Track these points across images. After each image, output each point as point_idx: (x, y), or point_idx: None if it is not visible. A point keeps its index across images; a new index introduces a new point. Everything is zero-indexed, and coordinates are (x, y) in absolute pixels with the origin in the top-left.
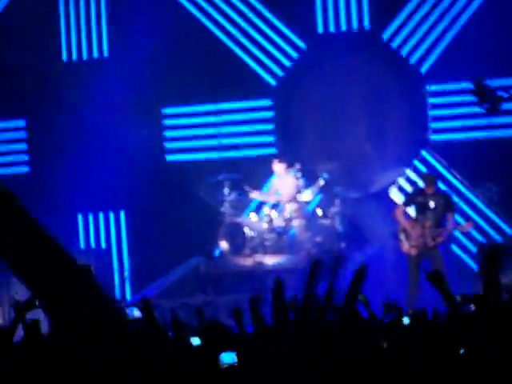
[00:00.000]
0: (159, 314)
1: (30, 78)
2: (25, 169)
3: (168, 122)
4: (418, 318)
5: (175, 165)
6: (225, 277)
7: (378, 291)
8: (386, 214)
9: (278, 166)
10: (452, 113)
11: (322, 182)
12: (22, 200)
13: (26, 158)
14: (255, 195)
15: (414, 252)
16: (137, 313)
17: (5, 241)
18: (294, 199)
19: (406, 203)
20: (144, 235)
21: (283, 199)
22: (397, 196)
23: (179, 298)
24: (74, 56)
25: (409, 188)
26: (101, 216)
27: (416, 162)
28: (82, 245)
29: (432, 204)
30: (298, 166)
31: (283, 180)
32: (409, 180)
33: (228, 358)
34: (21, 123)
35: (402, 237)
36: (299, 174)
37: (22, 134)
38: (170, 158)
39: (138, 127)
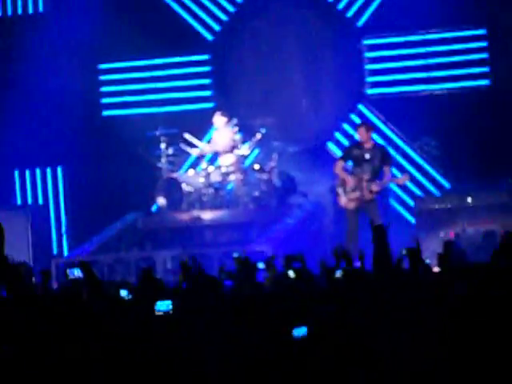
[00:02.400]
0: (96, 270)
1: None
2: None
3: (104, 77)
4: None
5: (112, 120)
6: (162, 232)
7: (316, 245)
8: (323, 168)
9: (219, 119)
10: (389, 66)
11: (259, 136)
12: None
13: None
14: (194, 147)
15: (351, 205)
16: (77, 272)
17: None
18: (231, 153)
19: (344, 157)
20: (81, 191)
21: (220, 153)
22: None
23: (116, 254)
24: (9, 11)
25: (346, 142)
26: (38, 172)
27: (353, 116)
28: (19, 201)
29: (368, 156)
30: (235, 120)
31: (222, 133)
32: (346, 134)
33: (162, 306)
34: None
35: (340, 191)
36: (237, 128)
37: None
38: (106, 113)
39: (75, 83)
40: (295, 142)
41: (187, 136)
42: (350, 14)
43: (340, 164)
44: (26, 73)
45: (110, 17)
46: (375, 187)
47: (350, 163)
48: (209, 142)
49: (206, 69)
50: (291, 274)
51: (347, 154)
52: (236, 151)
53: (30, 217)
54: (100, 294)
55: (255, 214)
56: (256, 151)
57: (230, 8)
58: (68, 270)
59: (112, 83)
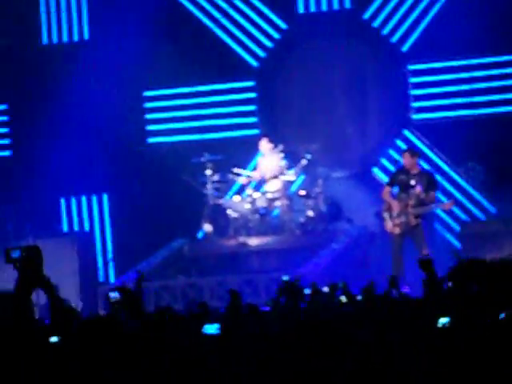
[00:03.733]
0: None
1: (10, 62)
2: (6, 153)
3: (149, 104)
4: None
5: (157, 147)
6: (208, 258)
7: (361, 271)
8: (368, 193)
9: (265, 145)
10: (433, 92)
11: (304, 162)
12: (6, 183)
13: (7, 141)
14: (246, 174)
15: (397, 231)
16: (116, 295)
17: None
18: (277, 179)
19: (390, 183)
20: (127, 218)
21: (266, 179)
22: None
23: (163, 280)
24: (55, 39)
25: (392, 168)
26: (83, 199)
27: (398, 142)
28: (66, 228)
29: (414, 182)
30: (281, 146)
31: (268, 159)
32: (391, 160)
33: (211, 328)
34: (2, 107)
35: (386, 216)
36: (283, 154)
37: (3, 118)
38: (151, 140)
39: (120, 110)
40: (341, 167)
41: (235, 170)
42: (394, 38)
43: (387, 189)
44: (72, 100)
45: (155, 44)
46: (420, 211)
47: (395, 189)
48: (255, 168)
49: (252, 95)
50: (343, 298)
51: (393, 180)
52: (282, 177)
53: (76, 244)
54: (139, 315)
55: (301, 240)
56: (302, 177)
57: (276, 35)
58: (109, 294)
59: (157, 110)
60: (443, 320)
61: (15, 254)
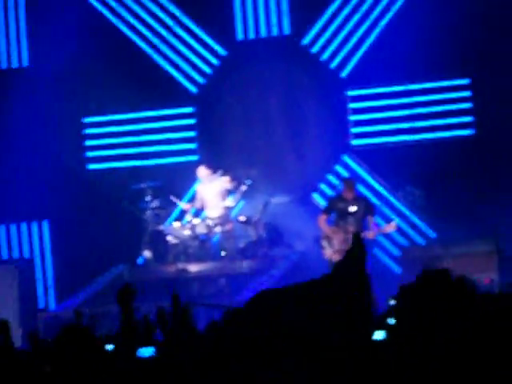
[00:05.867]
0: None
1: None
2: None
3: (89, 130)
4: None
5: (97, 173)
6: (148, 284)
7: None
8: (308, 218)
9: (203, 172)
10: (373, 117)
11: (244, 188)
12: None
13: None
14: (183, 205)
15: (336, 258)
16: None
17: None
18: (217, 205)
19: (327, 211)
20: (68, 244)
21: (207, 206)
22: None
23: (102, 306)
24: None
25: (331, 193)
26: (23, 226)
27: (338, 167)
28: (5, 255)
29: (352, 209)
30: (221, 171)
31: (207, 186)
32: (330, 185)
33: (146, 352)
34: None
35: (325, 243)
36: (228, 178)
37: None
38: (91, 166)
39: (59, 137)
40: (280, 193)
41: (173, 198)
42: (333, 64)
43: (323, 217)
44: (11, 127)
45: (94, 70)
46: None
47: (333, 216)
48: (193, 195)
49: (191, 121)
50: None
51: (330, 207)
52: (222, 203)
53: (17, 272)
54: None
55: (241, 266)
56: (241, 203)
57: (214, 61)
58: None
59: (96, 137)
60: (379, 334)
61: None
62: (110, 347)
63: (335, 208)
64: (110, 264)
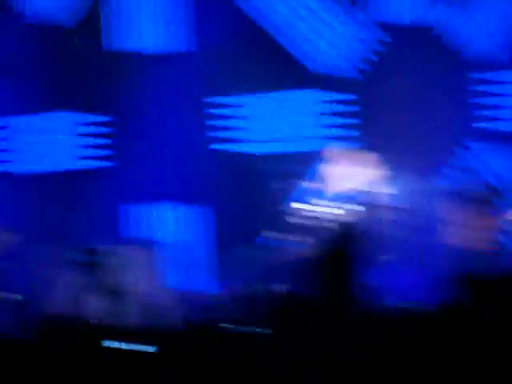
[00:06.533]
0: None
1: None
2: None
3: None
4: None
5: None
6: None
7: None
8: None
9: (350, 157)
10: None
11: (388, 173)
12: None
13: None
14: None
15: None
16: None
17: None
18: (362, 190)
19: None
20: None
21: (352, 190)
22: None
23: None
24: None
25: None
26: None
27: None
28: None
29: None
30: (368, 156)
31: (352, 170)
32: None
33: None
34: (106, 119)
35: None
36: (377, 165)
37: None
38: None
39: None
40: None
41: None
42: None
43: None
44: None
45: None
46: None
47: None
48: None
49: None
50: None
51: None
52: (369, 188)
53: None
54: None
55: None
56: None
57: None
58: None
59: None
60: None
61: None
62: None
63: None
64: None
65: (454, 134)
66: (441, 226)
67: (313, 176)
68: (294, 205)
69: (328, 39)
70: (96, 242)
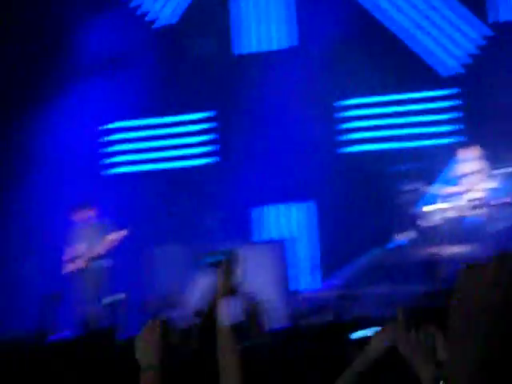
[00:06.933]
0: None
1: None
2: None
3: (345, 114)
4: None
5: (350, 156)
6: (402, 267)
7: None
8: None
9: (465, 153)
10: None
11: (508, 170)
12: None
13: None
14: (441, 188)
15: None
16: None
17: None
18: (476, 187)
19: None
20: (331, 225)
21: (466, 187)
22: None
23: (357, 289)
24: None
25: None
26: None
27: None
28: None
29: None
30: (480, 152)
31: (468, 167)
32: None
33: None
34: (211, 114)
35: None
36: (485, 162)
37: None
38: (348, 149)
39: (315, 118)
40: None
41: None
42: None
43: None
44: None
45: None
46: None
47: None
48: (456, 179)
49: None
50: None
51: None
52: (482, 184)
53: (279, 251)
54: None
55: (495, 250)
56: (504, 184)
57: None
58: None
59: (351, 120)
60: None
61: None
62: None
63: None
64: (365, 247)
65: None
66: None
67: (443, 173)
68: (425, 207)
69: (452, 39)
70: (227, 242)
